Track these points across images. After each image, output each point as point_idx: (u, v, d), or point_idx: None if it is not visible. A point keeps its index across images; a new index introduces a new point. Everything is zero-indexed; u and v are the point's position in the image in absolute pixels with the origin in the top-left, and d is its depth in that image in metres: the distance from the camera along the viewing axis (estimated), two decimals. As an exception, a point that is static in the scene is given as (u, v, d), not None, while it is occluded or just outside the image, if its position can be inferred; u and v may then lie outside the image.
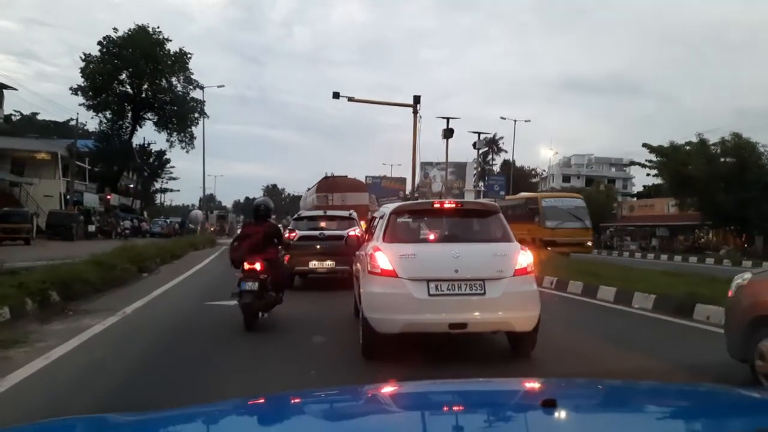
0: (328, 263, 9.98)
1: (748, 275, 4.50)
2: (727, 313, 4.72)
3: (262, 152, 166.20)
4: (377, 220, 5.85)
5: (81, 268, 9.21)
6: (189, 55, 41.51)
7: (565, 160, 67.02)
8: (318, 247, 10.00)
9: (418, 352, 4.88)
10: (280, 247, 7.17)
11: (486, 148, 75.22)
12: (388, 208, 5.66)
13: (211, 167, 63.10)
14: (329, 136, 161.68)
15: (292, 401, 1.51)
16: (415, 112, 18.62)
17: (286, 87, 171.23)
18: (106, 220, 36.11)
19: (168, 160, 58.35)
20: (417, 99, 18.75)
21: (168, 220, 44.98)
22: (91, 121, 43.39)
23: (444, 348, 5.18)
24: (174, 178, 61.89)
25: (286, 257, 8.28)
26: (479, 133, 25.34)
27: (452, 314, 4.64)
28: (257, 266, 6.19)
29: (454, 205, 5.45)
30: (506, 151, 76.38)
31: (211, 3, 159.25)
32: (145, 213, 51.37)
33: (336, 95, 18.07)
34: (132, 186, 50.95)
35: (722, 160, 29.11)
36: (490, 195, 23.56)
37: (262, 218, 6.73)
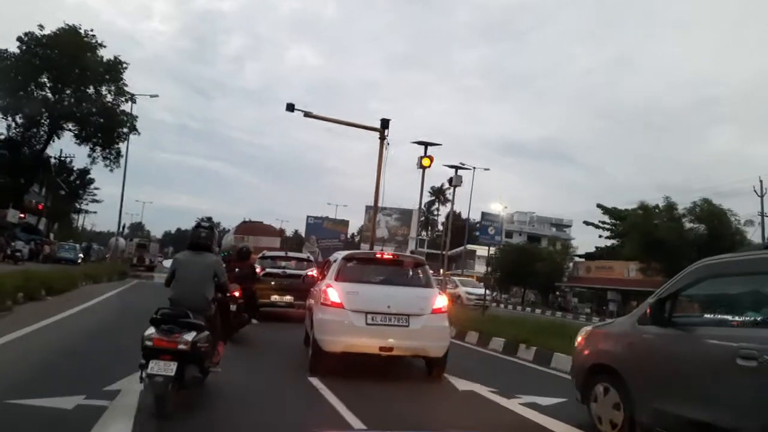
0: (288, 298, 11.95)
1: (590, 327, 5.42)
2: (573, 360, 5.62)
3: (200, 185, 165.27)
4: (332, 262, 7.68)
5: None
6: (124, 65, 38.49)
7: (508, 217, 71.70)
8: (280, 283, 12.00)
9: (354, 373, 6.59)
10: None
11: (432, 197, 79.16)
12: (341, 254, 7.55)
13: (144, 195, 62.05)
14: (272, 174, 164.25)
15: None
16: (382, 138, 17.21)
17: (232, 122, 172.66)
18: None
19: (92, 180, 56.05)
20: (385, 123, 17.35)
21: (77, 245, 40.66)
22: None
23: (375, 370, 6.94)
24: (97, 201, 59.68)
25: (238, 292, 9.68)
26: (456, 167, 22.95)
27: (383, 340, 6.43)
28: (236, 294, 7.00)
29: (391, 257, 7.53)
30: (452, 202, 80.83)
31: (162, 30, 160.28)
32: (52, 235, 47.66)
33: (290, 107, 16.34)
34: (40, 204, 46.05)
35: (690, 226, 29.24)
36: (483, 240, 21.52)
37: (245, 257, 8.93)
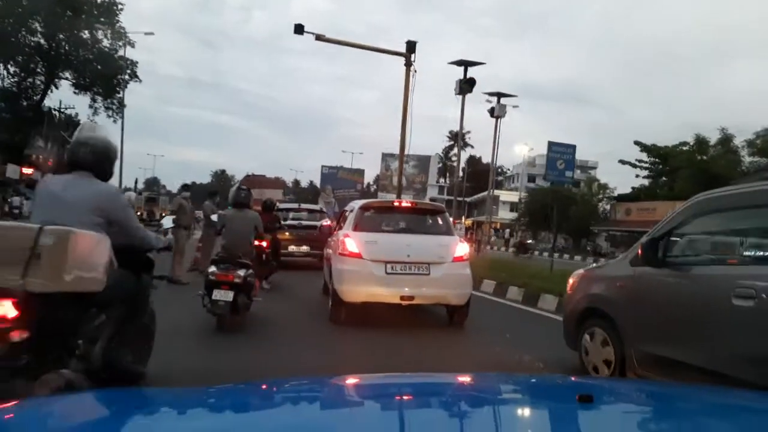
0: (304, 248, 12.94)
1: (581, 270, 5.18)
2: (564, 305, 5.41)
3: (212, 138, 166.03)
4: (347, 212, 7.70)
5: None
6: (120, 6, 36.52)
7: (529, 160, 70.77)
8: (296, 233, 12.79)
9: (374, 322, 6.76)
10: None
11: (451, 142, 78.20)
12: (357, 203, 7.54)
13: (156, 149, 62.19)
14: (283, 125, 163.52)
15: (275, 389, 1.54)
16: (409, 64, 15.62)
17: (242, 74, 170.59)
18: None
19: None
20: (411, 46, 15.62)
21: None
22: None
23: (396, 318, 7.08)
24: None
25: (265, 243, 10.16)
26: (499, 95, 20.22)
27: (403, 289, 6.52)
28: (263, 244, 7.77)
29: (409, 205, 7.45)
30: (472, 146, 79.82)
31: None
32: None
33: (299, 29, 14.83)
34: (49, 160, 45.10)
35: (751, 160, 27.89)
36: (550, 176, 17.96)
37: (269, 209, 9.66)
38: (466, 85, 16.57)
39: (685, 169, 30.18)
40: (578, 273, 5.13)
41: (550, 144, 17.81)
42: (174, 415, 1.29)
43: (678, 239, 4.19)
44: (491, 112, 20.38)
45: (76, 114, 46.32)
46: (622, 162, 35.65)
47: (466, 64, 16.29)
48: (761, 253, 3.60)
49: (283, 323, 6.84)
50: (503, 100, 22.16)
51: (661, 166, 34.58)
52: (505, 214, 60.86)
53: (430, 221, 7.39)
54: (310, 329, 6.71)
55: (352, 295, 6.57)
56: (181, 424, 1.21)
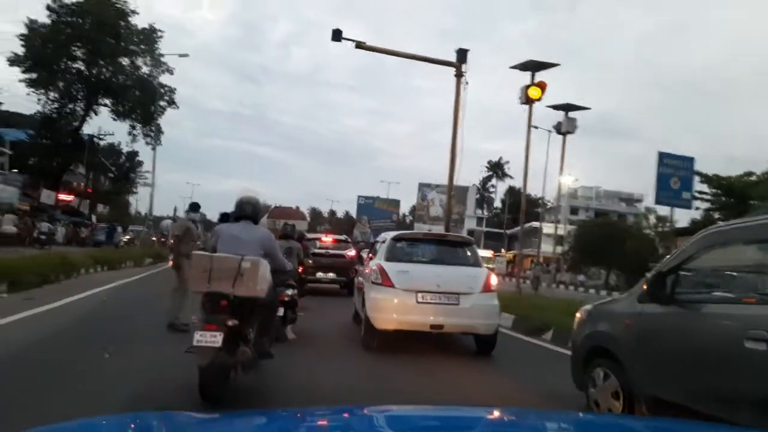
0: (331, 275, 14.31)
1: (590, 306, 4.96)
2: (571, 344, 5.17)
3: (250, 169, 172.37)
4: (379, 243, 8.28)
5: None
6: (160, 33, 37.34)
7: (571, 192, 70.10)
8: (324, 261, 13.87)
9: (404, 349, 7.21)
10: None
11: (489, 173, 78.39)
12: (389, 235, 8.11)
13: (198, 180, 64.01)
14: (320, 156, 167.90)
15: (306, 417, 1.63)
16: (460, 74, 14.40)
17: (280, 106, 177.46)
18: (22, 221, 30.24)
19: (140, 163, 55.42)
20: (462, 55, 14.39)
21: (117, 228, 39.08)
22: (30, 103, 37.48)
23: (424, 347, 7.51)
24: (148, 184, 62.26)
25: (302, 268, 10.50)
26: (567, 108, 18.21)
27: (433, 317, 6.98)
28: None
29: (440, 236, 8.00)
30: (512, 177, 79.71)
31: (211, 20, 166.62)
32: (94, 218, 46.68)
33: (337, 35, 14.12)
34: (89, 187, 47.00)
35: None
36: (663, 197, 15.49)
37: (299, 239, 9.82)
38: (535, 91, 14.11)
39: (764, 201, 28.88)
40: (586, 308, 4.96)
41: (661, 156, 15.18)
42: None
43: (687, 274, 4.03)
44: (558, 128, 18.15)
45: (119, 143, 47.84)
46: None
47: (534, 66, 14.11)
48: None
49: (318, 346, 7.37)
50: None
51: (723, 198, 33.46)
52: (546, 248, 60.08)
53: (460, 253, 7.87)
54: (342, 353, 7.20)
55: (384, 323, 7.07)
56: None
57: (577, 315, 4.99)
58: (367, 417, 1.68)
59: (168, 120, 39.33)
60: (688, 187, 12.84)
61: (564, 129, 18.13)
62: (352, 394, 5.03)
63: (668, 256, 4.18)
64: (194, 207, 8.68)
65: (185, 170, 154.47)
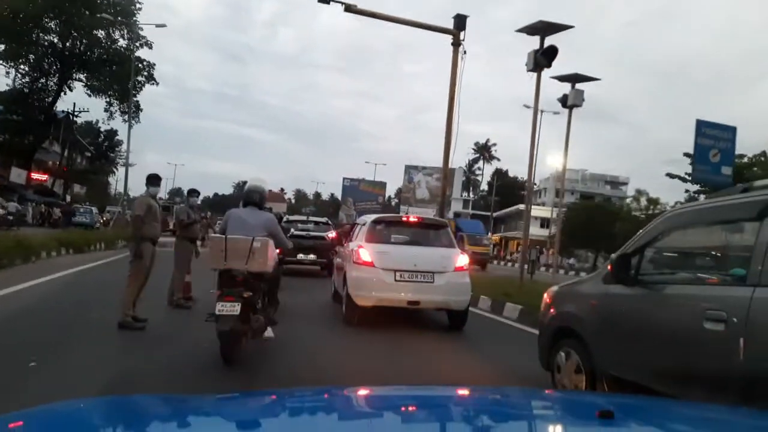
0: (311, 256, 14.98)
1: (556, 287, 4.98)
2: (538, 323, 5.16)
3: (235, 150, 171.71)
4: (359, 226, 8.93)
5: None
6: (138, 5, 35.56)
7: (558, 174, 70.95)
8: (305, 243, 14.31)
9: (384, 325, 7.89)
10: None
11: (476, 155, 79.00)
12: (369, 218, 8.77)
13: (180, 160, 63.26)
14: (306, 138, 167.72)
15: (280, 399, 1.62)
16: (457, 43, 13.55)
17: (265, 87, 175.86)
18: None
19: (120, 142, 52.95)
20: (461, 22, 13.49)
21: (93, 209, 36.49)
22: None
23: (401, 322, 8.19)
24: (131, 165, 61.27)
25: (279, 250, 11.17)
26: (574, 78, 16.11)
27: (410, 294, 7.66)
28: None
29: (416, 219, 8.68)
30: (498, 159, 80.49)
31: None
32: (68, 198, 44.24)
33: None
34: (58, 163, 44.57)
35: None
36: (699, 172, 13.09)
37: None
38: (542, 58, 12.49)
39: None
40: (552, 289, 5.00)
41: (699, 124, 12.54)
42: (174, 425, 1.34)
43: (651, 255, 4.10)
44: (563, 101, 16.18)
45: (97, 121, 46.06)
46: (671, 176, 33.59)
47: (543, 30, 12.45)
48: (734, 272, 3.38)
49: (302, 324, 7.93)
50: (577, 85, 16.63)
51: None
52: (534, 231, 61.07)
53: (434, 235, 8.54)
54: (327, 330, 7.85)
55: (365, 299, 7.73)
56: None
57: (545, 296, 5.03)
58: (345, 397, 1.75)
59: (151, 99, 38.52)
60: (729, 161, 11.81)
61: (571, 102, 15.78)
62: (337, 370, 5.46)
63: (633, 238, 4.15)
64: (192, 193, 9.48)
65: (168, 151, 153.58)
